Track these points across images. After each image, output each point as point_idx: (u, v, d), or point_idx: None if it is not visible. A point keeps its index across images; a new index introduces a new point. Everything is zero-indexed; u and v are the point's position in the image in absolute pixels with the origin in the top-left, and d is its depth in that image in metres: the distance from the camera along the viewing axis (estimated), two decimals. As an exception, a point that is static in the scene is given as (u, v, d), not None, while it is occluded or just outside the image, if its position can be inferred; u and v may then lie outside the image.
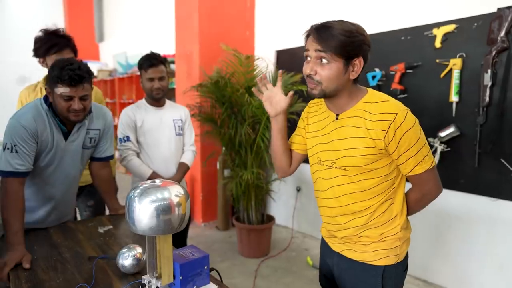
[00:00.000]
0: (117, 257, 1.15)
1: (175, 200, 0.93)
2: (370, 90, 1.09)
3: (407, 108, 1.03)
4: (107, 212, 2.04)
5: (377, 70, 2.65)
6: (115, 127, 1.99)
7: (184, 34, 3.64)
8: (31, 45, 1.80)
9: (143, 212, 0.91)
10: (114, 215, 1.69)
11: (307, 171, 1.25)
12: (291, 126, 3.43)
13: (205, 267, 1.05)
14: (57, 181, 1.50)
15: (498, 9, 2.06)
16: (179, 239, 2.02)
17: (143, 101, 2.04)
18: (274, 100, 1.19)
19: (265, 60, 3.30)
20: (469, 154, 2.25)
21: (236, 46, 3.22)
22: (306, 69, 1.04)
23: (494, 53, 2.08)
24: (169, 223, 0.92)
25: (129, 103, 5.05)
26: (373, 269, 1.11)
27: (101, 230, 1.51)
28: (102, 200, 1.97)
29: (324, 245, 1.26)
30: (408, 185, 1.13)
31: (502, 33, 2.04)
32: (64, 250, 1.31)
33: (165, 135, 1.99)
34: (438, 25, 2.33)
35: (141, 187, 0.95)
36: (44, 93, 1.81)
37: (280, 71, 1.24)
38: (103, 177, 1.69)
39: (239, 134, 2.86)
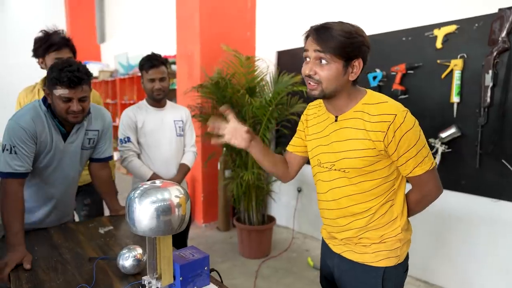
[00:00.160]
0: (118, 258, 1.15)
1: (175, 201, 0.93)
2: (369, 91, 1.09)
3: (406, 109, 1.02)
4: (105, 211, 2.05)
5: (378, 70, 2.64)
6: (116, 128, 1.99)
7: (185, 34, 3.65)
8: (32, 47, 1.81)
9: (143, 213, 0.91)
10: (115, 216, 1.69)
11: (308, 172, 1.25)
12: (291, 127, 3.43)
13: (205, 268, 1.05)
14: (56, 182, 1.50)
15: (499, 9, 2.06)
16: (180, 240, 2.02)
17: (144, 102, 2.04)
18: (238, 133, 1.15)
19: (265, 61, 3.30)
20: (470, 155, 2.25)
21: (237, 47, 3.23)
22: (305, 69, 1.03)
23: (495, 53, 2.07)
24: (169, 224, 0.92)
25: (130, 104, 5.05)
26: (373, 271, 1.11)
27: (101, 231, 1.52)
28: (99, 199, 1.97)
29: (324, 246, 1.26)
30: (409, 186, 1.13)
31: (503, 34, 2.04)
32: (65, 251, 1.32)
33: (165, 136, 1.99)
34: (439, 25, 2.33)
35: (141, 188, 0.95)
36: (42, 94, 1.81)
37: (224, 107, 1.19)
38: (103, 178, 1.69)
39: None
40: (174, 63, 4.26)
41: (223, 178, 3.41)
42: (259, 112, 2.79)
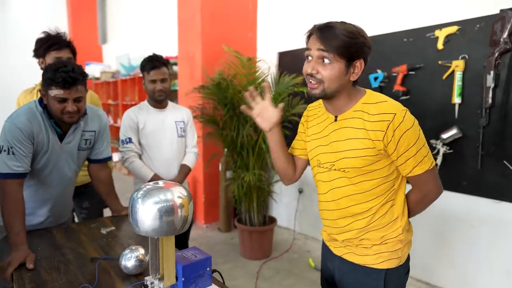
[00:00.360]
0: (120, 258, 1.15)
1: (178, 201, 0.94)
2: (368, 91, 1.09)
3: (405, 108, 1.02)
4: (104, 214, 2.05)
5: (379, 71, 2.65)
6: (117, 128, 2.00)
7: (186, 36, 3.66)
8: (33, 47, 1.82)
9: (146, 214, 0.91)
10: (117, 217, 1.70)
11: (309, 173, 1.25)
12: (292, 127, 3.44)
13: (208, 269, 1.05)
14: (53, 183, 1.50)
15: (501, 10, 2.06)
16: (181, 241, 2.02)
17: (145, 103, 2.04)
18: (266, 114, 1.15)
19: (266, 62, 3.30)
20: (471, 156, 2.25)
21: (238, 48, 3.23)
22: (307, 68, 1.03)
23: (496, 54, 2.07)
24: (172, 224, 0.93)
25: (132, 105, 5.06)
26: (374, 273, 1.10)
27: (103, 231, 1.52)
28: (98, 201, 1.97)
29: (325, 248, 1.25)
30: (409, 187, 1.12)
31: (505, 35, 2.04)
32: (67, 251, 1.32)
33: (167, 137, 2.00)
34: (440, 26, 2.33)
35: (144, 189, 0.95)
36: None
37: (266, 84, 1.20)
38: (103, 179, 1.70)
39: (241, 135, 2.86)
40: (175, 64, 4.27)
41: (224, 179, 3.41)
42: (260, 113, 2.79)
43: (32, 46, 1.83)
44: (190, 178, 3.68)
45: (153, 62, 1.93)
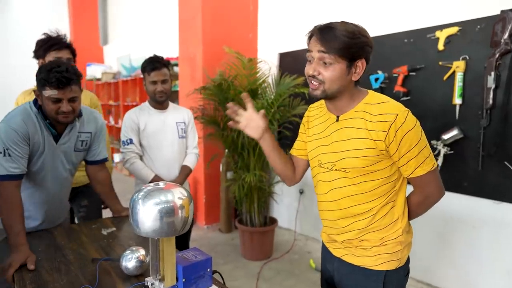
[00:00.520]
0: (121, 259, 1.15)
1: (179, 202, 0.94)
2: (370, 91, 1.09)
3: (407, 109, 1.02)
4: (103, 213, 2.05)
5: (380, 72, 2.65)
6: (119, 129, 2.00)
7: (187, 37, 3.67)
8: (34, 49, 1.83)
9: (147, 215, 0.91)
10: (118, 217, 1.70)
11: (310, 173, 1.25)
12: (293, 128, 3.44)
13: (208, 270, 1.05)
14: (49, 184, 1.50)
15: (502, 11, 2.06)
16: (182, 242, 2.03)
17: (146, 104, 2.05)
18: (253, 123, 1.16)
19: (267, 63, 3.31)
20: (472, 157, 2.24)
21: (239, 49, 3.24)
22: (309, 69, 1.03)
23: (497, 55, 2.07)
24: (172, 225, 0.93)
25: (133, 106, 5.07)
26: (374, 274, 1.10)
27: (104, 232, 1.52)
28: (97, 200, 1.97)
29: (324, 250, 1.25)
30: (410, 189, 1.12)
31: (506, 36, 2.04)
32: (68, 252, 1.32)
33: (167, 138, 2.00)
34: (441, 27, 2.33)
35: (145, 190, 0.95)
36: None
37: (244, 94, 1.18)
38: (101, 180, 1.69)
39: (242, 136, 2.86)
40: (176, 65, 4.28)
41: (225, 180, 3.41)
42: (261, 114, 2.79)
43: (33, 47, 1.84)
44: (191, 179, 3.68)
45: (154, 63, 1.93)
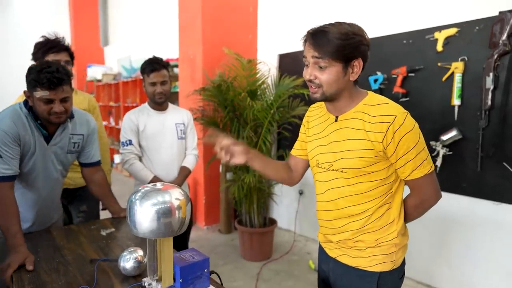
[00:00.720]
0: (119, 259, 1.16)
1: (176, 203, 0.95)
2: (370, 92, 1.09)
3: (406, 111, 1.02)
4: (103, 214, 2.05)
5: (379, 73, 2.65)
6: (119, 130, 2.00)
7: (187, 38, 3.68)
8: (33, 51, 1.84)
9: (144, 215, 0.92)
10: (116, 218, 1.70)
11: (310, 174, 1.25)
12: (292, 129, 3.44)
13: (205, 270, 1.06)
14: (40, 185, 1.49)
15: (500, 12, 2.06)
16: (181, 242, 2.03)
17: (146, 105, 2.05)
18: (232, 149, 1.15)
19: (267, 64, 3.32)
20: (471, 158, 2.24)
21: (239, 50, 3.25)
22: (306, 74, 1.05)
23: (496, 56, 2.07)
24: (169, 226, 0.94)
25: (133, 107, 5.08)
26: (368, 275, 1.10)
27: (103, 232, 1.53)
28: (95, 205, 1.97)
29: (321, 250, 1.25)
30: (407, 191, 1.12)
31: (504, 37, 2.04)
32: (67, 253, 1.33)
33: (167, 139, 2.01)
34: (440, 28, 2.33)
35: (142, 191, 0.96)
36: None
37: (209, 132, 1.18)
38: (98, 182, 1.69)
39: (241, 137, 2.87)
40: (176, 66, 4.29)
41: (224, 181, 3.42)
42: (260, 115, 2.80)
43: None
44: (191, 180, 3.69)
45: (153, 65, 1.94)
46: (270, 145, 3.04)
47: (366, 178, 1.06)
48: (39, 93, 1.32)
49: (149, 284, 1.02)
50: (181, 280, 1.00)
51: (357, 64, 1.01)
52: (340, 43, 0.97)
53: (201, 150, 3.40)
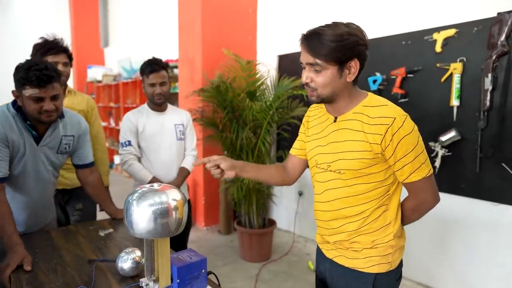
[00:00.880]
0: (117, 260, 1.16)
1: (173, 204, 0.95)
2: (370, 94, 1.08)
3: (406, 113, 1.01)
4: (101, 215, 2.05)
5: (378, 74, 2.65)
6: (119, 131, 2.00)
7: (187, 39, 3.68)
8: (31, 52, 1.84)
9: (141, 216, 0.92)
10: (115, 219, 1.70)
11: (309, 175, 1.25)
12: (291, 130, 3.44)
13: (203, 270, 1.06)
14: (31, 186, 1.47)
15: (498, 13, 2.06)
16: (180, 243, 2.03)
17: (145, 106, 2.06)
18: (223, 164, 1.18)
19: (266, 65, 3.32)
20: (470, 159, 2.25)
21: (239, 51, 3.25)
22: (302, 77, 1.05)
23: (494, 57, 2.08)
24: (166, 226, 0.94)
25: (133, 107, 5.09)
26: (364, 277, 1.09)
27: (101, 233, 1.53)
28: (91, 204, 1.96)
29: (318, 251, 1.25)
30: (404, 194, 1.12)
31: (502, 38, 2.04)
32: (65, 253, 1.33)
33: (166, 140, 2.01)
34: (439, 29, 2.34)
35: (139, 191, 0.96)
36: None
37: (196, 163, 1.22)
38: (93, 183, 1.67)
39: (240, 138, 2.87)
40: (176, 67, 4.30)
41: (224, 182, 3.42)
42: (259, 116, 2.81)
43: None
44: (190, 181, 3.69)
45: (152, 66, 1.94)
46: (269, 146, 3.04)
47: (364, 179, 1.05)
48: (29, 91, 1.29)
49: (147, 285, 1.02)
50: (178, 281, 1.00)
51: (354, 65, 1.00)
52: (334, 46, 0.97)
53: (200, 151, 3.41)
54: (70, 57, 1.87)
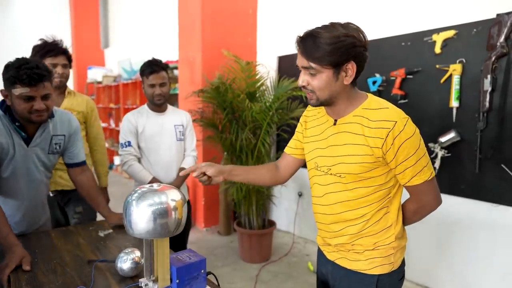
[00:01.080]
0: (116, 260, 1.16)
1: (172, 204, 0.95)
2: (370, 95, 1.06)
3: (407, 116, 0.99)
4: (99, 218, 2.04)
5: (377, 75, 2.66)
6: (119, 132, 2.00)
7: (187, 40, 3.69)
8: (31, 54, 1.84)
9: (140, 216, 0.92)
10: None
11: (309, 176, 1.25)
12: (291, 131, 3.45)
13: (202, 271, 1.06)
14: (23, 188, 1.44)
15: (497, 15, 2.07)
16: (180, 244, 2.03)
17: (145, 106, 2.06)
18: (209, 171, 1.18)
19: (265, 66, 3.33)
20: (469, 160, 2.25)
21: (238, 52, 3.26)
22: (299, 80, 1.04)
23: (493, 58, 2.08)
24: (165, 226, 0.94)
25: (133, 108, 5.09)
26: (366, 278, 1.08)
27: (101, 234, 1.53)
28: (91, 207, 1.95)
29: (319, 253, 1.24)
30: (405, 195, 1.11)
31: (502, 39, 2.05)
32: (64, 253, 1.33)
33: (166, 140, 2.01)
34: (438, 30, 2.34)
35: (138, 191, 0.96)
36: None
37: (182, 173, 1.22)
38: (84, 182, 1.61)
39: (240, 139, 2.87)
40: (176, 68, 4.30)
41: (223, 182, 3.42)
42: (259, 117, 2.81)
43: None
44: (190, 182, 3.69)
45: (152, 67, 1.94)
46: (269, 146, 3.04)
47: (365, 183, 1.04)
48: (19, 90, 1.26)
49: (146, 285, 1.02)
50: (177, 281, 1.00)
51: (350, 68, 0.98)
52: (329, 49, 0.94)
53: (200, 152, 3.41)
54: (69, 58, 1.87)
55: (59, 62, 1.79)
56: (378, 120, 0.99)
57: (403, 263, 1.14)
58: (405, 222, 1.13)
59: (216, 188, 3.63)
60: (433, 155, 2.36)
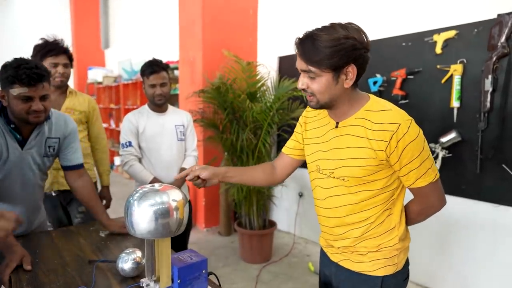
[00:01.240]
0: (117, 260, 1.16)
1: (173, 204, 0.95)
2: (372, 97, 1.04)
3: (411, 118, 0.98)
4: None
5: (378, 76, 2.66)
6: (119, 132, 2.00)
7: (187, 41, 3.69)
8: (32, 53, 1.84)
9: (142, 216, 0.92)
10: (115, 219, 1.69)
11: (310, 177, 1.24)
12: (291, 131, 3.45)
13: (203, 271, 1.06)
14: (18, 190, 1.41)
15: (498, 15, 2.07)
16: (180, 244, 2.03)
17: (145, 107, 2.06)
18: (203, 174, 1.19)
19: (266, 67, 3.33)
20: (470, 160, 2.25)
21: (239, 53, 3.26)
22: (299, 83, 1.02)
23: (494, 58, 2.08)
24: (167, 226, 0.94)
25: (134, 109, 5.09)
26: (371, 280, 1.08)
27: (102, 234, 1.53)
28: None
29: (322, 254, 1.23)
30: (408, 196, 1.11)
31: (503, 39, 2.05)
32: (66, 253, 1.33)
33: (166, 141, 2.01)
34: (439, 31, 2.34)
35: (140, 191, 0.96)
36: None
37: (175, 180, 1.20)
38: (82, 189, 1.55)
39: (241, 139, 2.87)
40: (176, 68, 4.31)
41: (224, 183, 3.42)
42: (260, 117, 2.81)
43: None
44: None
45: (153, 67, 1.94)
46: (270, 147, 3.04)
47: (368, 186, 1.03)
48: (17, 90, 1.23)
49: (147, 285, 1.02)
50: (179, 281, 1.00)
51: (351, 71, 0.95)
52: (329, 52, 0.92)
53: (201, 152, 3.41)
54: (70, 58, 1.87)
55: (60, 61, 1.79)
56: (381, 123, 0.97)
57: (407, 263, 1.13)
58: (409, 222, 1.12)
59: (217, 188, 3.63)
60: (434, 155, 2.35)
